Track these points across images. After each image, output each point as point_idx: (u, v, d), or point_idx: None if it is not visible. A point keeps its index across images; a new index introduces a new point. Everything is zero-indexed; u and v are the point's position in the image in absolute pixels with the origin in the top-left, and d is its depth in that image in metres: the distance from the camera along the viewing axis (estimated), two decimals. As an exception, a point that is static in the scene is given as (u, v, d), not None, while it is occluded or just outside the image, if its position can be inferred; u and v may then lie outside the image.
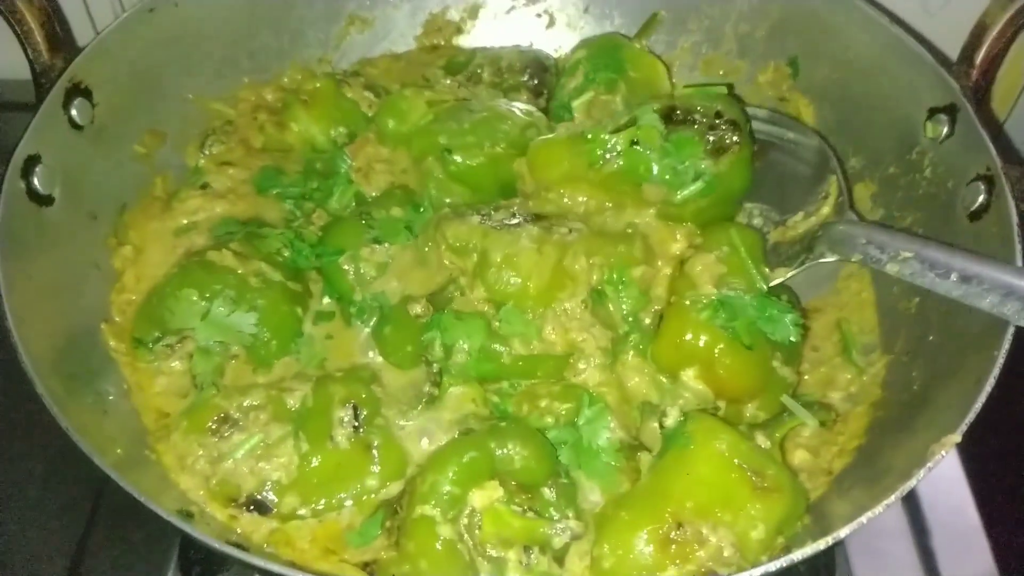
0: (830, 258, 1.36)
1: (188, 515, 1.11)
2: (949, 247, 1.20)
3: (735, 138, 1.41)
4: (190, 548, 1.35)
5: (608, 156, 1.42)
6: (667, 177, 1.41)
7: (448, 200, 1.51)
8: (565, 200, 1.48)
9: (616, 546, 1.12)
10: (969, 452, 1.52)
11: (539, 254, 1.33)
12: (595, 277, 1.36)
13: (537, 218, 1.41)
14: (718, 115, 1.42)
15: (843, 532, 0.93)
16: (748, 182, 1.46)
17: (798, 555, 0.92)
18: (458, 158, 1.48)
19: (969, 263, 1.16)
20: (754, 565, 0.98)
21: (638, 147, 1.40)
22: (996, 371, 1.05)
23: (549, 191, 1.48)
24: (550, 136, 1.50)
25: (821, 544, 0.92)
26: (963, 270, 1.16)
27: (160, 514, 1.01)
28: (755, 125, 1.56)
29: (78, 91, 1.38)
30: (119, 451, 1.11)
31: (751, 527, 1.09)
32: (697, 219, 1.44)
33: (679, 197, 1.41)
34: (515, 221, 1.39)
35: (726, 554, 1.08)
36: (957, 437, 1.01)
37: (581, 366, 1.35)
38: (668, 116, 1.42)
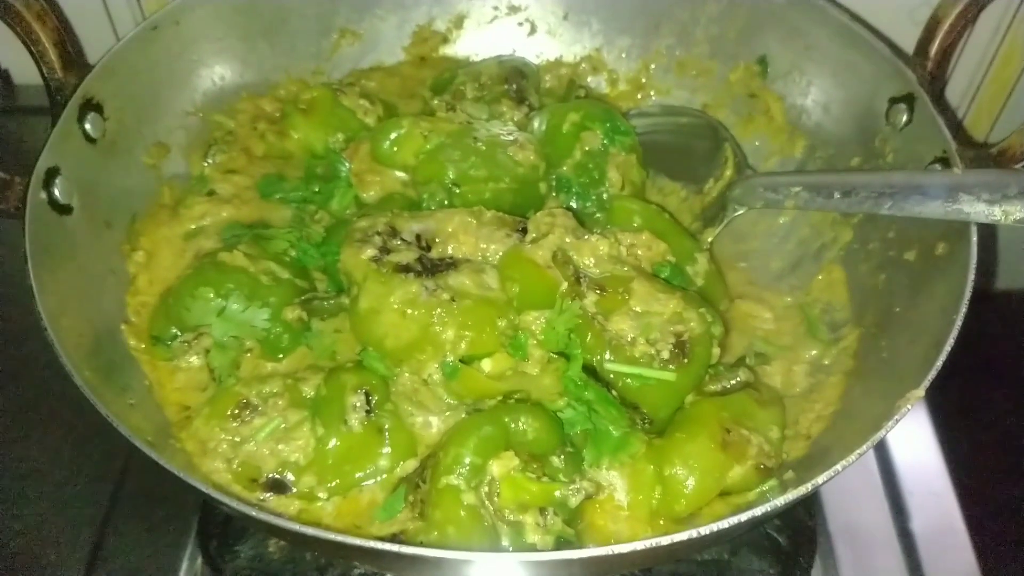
0: (741, 210, 1.60)
1: (219, 487, 1.18)
2: (829, 172, 1.39)
3: None
4: (208, 524, 1.42)
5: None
6: None
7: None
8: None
9: (687, 459, 1.24)
10: (949, 441, 1.65)
11: (403, 317, 1.30)
12: (462, 348, 1.30)
13: (435, 267, 1.35)
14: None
15: (821, 479, 1.03)
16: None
17: (780, 501, 1.01)
18: (465, 191, 1.51)
19: (844, 178, 1.40)
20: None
21: None
22: (955, 332, 1.15)
23: None
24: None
25: (802, 490, 1.02)
26: (841, 185, 1.38)
27: (197, 487, 1.08)
28: (653, 121, 1.82)
29: (90, 106, 1.46)
30: (148, 438, 1.18)
31: (768, 430, 1.29)
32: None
33: None
34: (407, 261, 1.33)
35: (766, 449, 1.26)
36: (920, 392, 1.11)
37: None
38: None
